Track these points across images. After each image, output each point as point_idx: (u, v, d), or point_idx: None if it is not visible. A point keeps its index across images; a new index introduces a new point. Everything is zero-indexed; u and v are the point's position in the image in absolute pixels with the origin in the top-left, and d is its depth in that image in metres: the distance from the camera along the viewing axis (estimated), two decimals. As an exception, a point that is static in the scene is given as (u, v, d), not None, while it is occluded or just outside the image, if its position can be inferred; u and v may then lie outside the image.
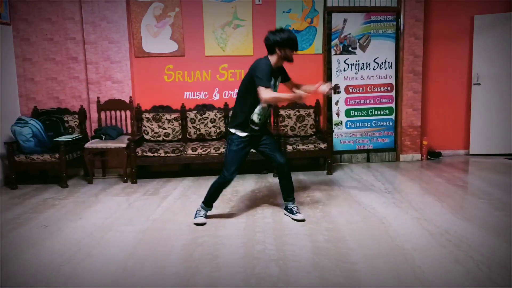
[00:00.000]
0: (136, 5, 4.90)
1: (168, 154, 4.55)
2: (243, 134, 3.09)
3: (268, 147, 3.22)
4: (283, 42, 2.91)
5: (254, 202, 3.76)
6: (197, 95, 5.14)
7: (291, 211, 3.27)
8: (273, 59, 2.99)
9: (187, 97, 5.13)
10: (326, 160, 4.81)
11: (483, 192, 3.89)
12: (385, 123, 5.44)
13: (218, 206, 3.61)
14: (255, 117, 3.05)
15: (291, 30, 3.19)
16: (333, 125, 5.33)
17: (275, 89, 3.09)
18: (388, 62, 5.34)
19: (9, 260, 2.57)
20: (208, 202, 3.24)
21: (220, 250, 2.67)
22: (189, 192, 4.15)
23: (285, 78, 3.26)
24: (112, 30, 4.85)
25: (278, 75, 3.12)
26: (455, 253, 2.52)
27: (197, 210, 3.26)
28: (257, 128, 3.10)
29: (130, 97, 4.93)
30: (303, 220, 3.17)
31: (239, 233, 2.97)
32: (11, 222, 3.32)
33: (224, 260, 2.51)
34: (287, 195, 3.33)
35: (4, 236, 3.02)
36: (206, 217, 3.23)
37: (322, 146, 4.72)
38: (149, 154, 4.54)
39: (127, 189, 4.32)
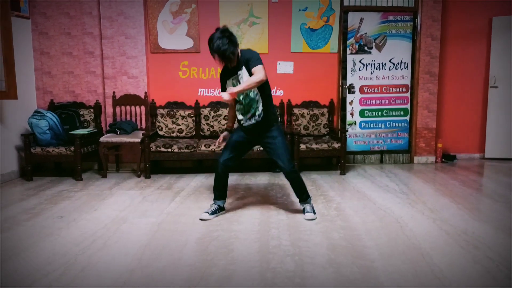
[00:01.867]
0: (153, 1, 4.93)
1: (182, 150, 4.56)
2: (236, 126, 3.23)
3: (271, 151, 3.13)
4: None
5: (267, 198, 3.76)
6: (211, 92, 5.15)
7: (303, 211, 3.25)
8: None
9: (202, 94, 5.14)
10: (340, 160, 4.78)
11: (499, 195, 3.83)
12: (399, 125, 5.40)
13: (232, 202, 3.61)
14: (238, 114, 3.12)
15: (213, 37, 2.87)
16: (347, 125, 5.30)
17: (238, 83, 2.95)
18: (404, 63, 5.30)
19: (26, 248, 2.60)
20: (214, 190, 3.25)
21: (235, 244, 2.66)
22: (202, 188, 4.16)
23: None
24: (129, 26, 4.89)
25: (236, 71, 2.98)
26: (473, 253, 2.48)
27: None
28: (244, 124, 3.09)
29: (145, 93, 4.96)
30: (312, 219, 3.14)
31: (253, 228, 2.96)
32: (27, 212, 3.36)
33: (239, 254, 2.50)
34: (300, 198, 3.29)
35: (21, 225, 3.05)
36: (217, 213, 3.23)
37: (336, 145, 4.70)
38: (163, 149, 4.55)
39: (140, 184, 4.35)
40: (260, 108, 3.01)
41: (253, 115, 3.04)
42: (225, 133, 3.29)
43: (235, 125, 3.34)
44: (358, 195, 3.86)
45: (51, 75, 4.99)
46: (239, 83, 2.94)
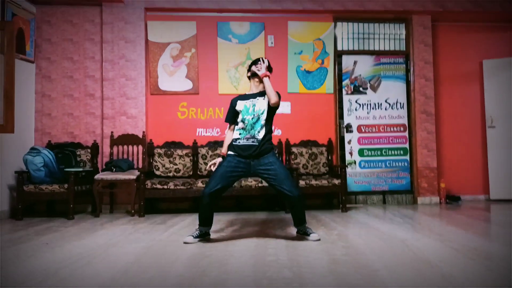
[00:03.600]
0: (155, 46, 5.14)
1: (178, 187, 4.45)
2: (231, 153, 3.12)
3: (272, 178, 3.03)
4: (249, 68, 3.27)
5: (265, 228, 3.58)
6: (209, 132, 5.16)
7: (305, 232, 3.07)
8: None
9: (200, 134, 5.15)
10: (341, 196, 4.64)
11: (509, 225, 3.65)
12: (400, 164, 5.33)
13: (227, 230, 3.44)
14: (236, 135, 3.15)
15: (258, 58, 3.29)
16: (347, 164, 5.23)
17: (252, 106, 3.13)
18: (400, 103, 5.37)
19: (4, 267, 2.41)
20: (199, 219, 3.09)
21: (229, 260, 2.48)
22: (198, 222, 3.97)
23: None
24: (130, 68, 5.05)
25: (256, 96, 3.18)
26: (486, 264, 2.30)
27: None
28: (240, 143, 3.07)
29: (143, 132, 4.97)
30: (319, 239, 2.97)
31: (249, 248, 2.78)
32: (11, 242, 3.18)
33: (233, 267, 2.31)
34: (297, 223, 3.13)
35: (2, 250, 2.86)
36: (203, 237, 3.07)
37: (336, 182, 4.59)
38: (158, 186, 4.45)
39: (134, 221, 4.18)
40: (262, 135, 3.07)
41: (253, 137, 3.07)
42: (219, 159, 3.22)
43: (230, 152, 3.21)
44: (361, 225, 3.68)
45: (51, 116, 5.04)
46: (253, 106, 3.12)
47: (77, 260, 2.52)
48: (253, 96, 3.18)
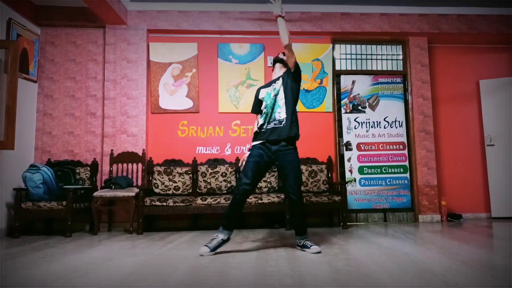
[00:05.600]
0: (156, 66, 5.23)
1: (177, 204, 4.42)
2: (254, 143, 3.16)
3: (284, 174, 3.08)
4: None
5: (266, 243, 3.52)
6: (209, 150, 5.17)
7: (305, 246, 3.04)
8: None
9: (199, 152, 5.16)
10: (341, 213, 4.60)
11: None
12: (400, 182, 5.31)
13: (227, 245, 3.38)
14: (260, 120, 3.18)
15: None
16: (347, 182, 5.21)
17: (273, 90, 3.18)
18: (399, 121, 5.41)
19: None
20: (224, 217, 3.04)
21: (229, 270, 2.43)
22: (197, 238, 3.93)
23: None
24: (131, 87, 5.10)
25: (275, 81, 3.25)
26: (491, 273, 2.25)
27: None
28: (264, 128, 3.10)
29: (143, 150, 4.98)
30: (319, 252, 2.93)
31: (250, 260, 2.74)
32: (7, 256, 3.13)
33: (233, 277, 2.27)
34: (297, 231, 3.14)
35: (-2, 263, 2.82)
36: (220, 246, 3.00)
37: (336, 198, 4.56)
38: (157, 203, 4.41)
39: (132, 237, 4.12)
40: (284, 115, 3.08)
41: (274, 119, 3.09)
42: (247, 153, 3.22)
43: (253, 143, 3.23)
44: (362, 240, 3.63)
45: (52, 135, 5.06)
46: (274, 90, 3.17)
47: (74, 271, 2.47)
48: (274, 81, 3.25)
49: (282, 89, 3.13)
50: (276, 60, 3.30)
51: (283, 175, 3.10)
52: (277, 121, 3.08)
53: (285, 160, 3.06)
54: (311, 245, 3.01)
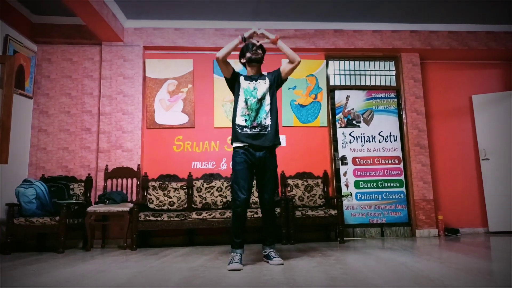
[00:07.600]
0: (152, 82, 5.26)
1: (172, 218, 4.37)
2: (236, 145, 3.06)
3: (262, 180, 3.08)
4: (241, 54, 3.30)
5: (260, 257, 3.46)
6: (204, 165, 5.15)
7: (268, 256, 3.01)
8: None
9: (195, 167, 5.14)
10: (338, 227, 4.56)
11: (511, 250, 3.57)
12: (396, 196, 5.29)
13: (221, 258, 3.34)
14: (240, 120, 3.06)
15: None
16: (343, 196, 5.18)
17: (255, 91, 3.11)
18: (393, 136, 5.44)
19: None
20: (233, 238, 2.97)
21: (223, 279, 2.39)
22: (192, 253, 3.87)
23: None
24: (127, 103, 5.12)
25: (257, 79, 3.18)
26: (488, 278, 2.22)
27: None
28: (248, 131, 3.02)
29: (138, 165, 4.95)
30: (281, 264, 2.88)
31: (244, 271, 2.69)
32: (-3, 269, 3.06)
33: (227, 284, 2.22)
34: (266, 238, 3.13)
35: (-13, 276, 2.75)
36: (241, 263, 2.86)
37: (333, 212, 4.53)
38: (152, 218, 4.36)
39: (126, 253, 4.05)
40: (268, 122, 3.06)
41: (259, 124, 3.04)
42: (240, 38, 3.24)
43: (234, 145, 3.13)
44: (359, 253, 3.59)
45: (46, 151, 5.04)
46: (255, 89, 3.09)
47: (65, 282, 2.42)
48: (255, 78, 3.16)
49: (269, 95, 3.11)
50: (251, 60, 3.21)
51: (262, 182, 3.09)
52: (263, 127, 3.05)
53: (266, 168, 3.06)
54: (274, 257, 2.96)
